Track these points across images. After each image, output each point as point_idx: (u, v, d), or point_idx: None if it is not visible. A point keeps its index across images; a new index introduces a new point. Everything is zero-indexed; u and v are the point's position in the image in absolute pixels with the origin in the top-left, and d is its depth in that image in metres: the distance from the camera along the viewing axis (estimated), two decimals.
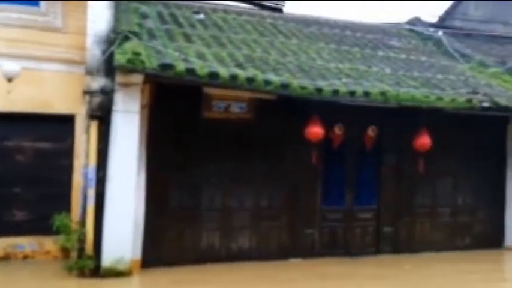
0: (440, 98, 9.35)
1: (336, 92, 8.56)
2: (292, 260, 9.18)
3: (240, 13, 11.67)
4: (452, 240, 10.67)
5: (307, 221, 9.46)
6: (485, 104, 9.66)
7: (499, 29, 16.52)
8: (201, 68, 7.92)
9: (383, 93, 8.92)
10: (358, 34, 12.36)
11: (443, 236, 10.61)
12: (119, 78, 7.79)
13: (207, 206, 8.86)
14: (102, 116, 8.08)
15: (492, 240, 10.99)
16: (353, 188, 9.98)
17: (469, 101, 9.55)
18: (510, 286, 8.84)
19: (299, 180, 9.38)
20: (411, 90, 9.30)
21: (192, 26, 10.14)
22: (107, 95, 8.08)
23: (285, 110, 9.01)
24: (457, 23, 17.60)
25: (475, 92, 9.93)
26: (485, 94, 9.96)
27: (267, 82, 8.21)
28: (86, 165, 8.12)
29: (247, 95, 8.58)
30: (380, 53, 11.42)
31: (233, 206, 9.03)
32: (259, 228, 9.13)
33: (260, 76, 8.26)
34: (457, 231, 10.78)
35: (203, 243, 8.81)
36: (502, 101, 9.87)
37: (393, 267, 9.24)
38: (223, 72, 7.99)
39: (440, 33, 13.20)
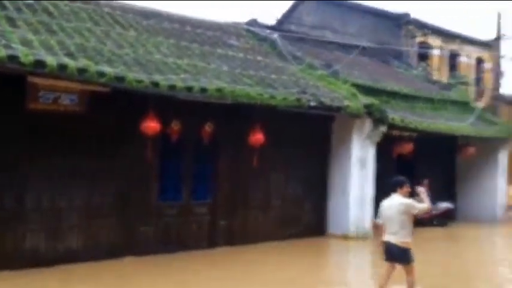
0: (273, 96, 9.83)
1: (173, 87, 8.50)
2: (126, 259, 8.86)
3: None
4: (283, 230, 11.32)
5: (142, 217, 9.25)
6: (313, 103, 10.41)
7: (328, 35, 18.00)
8: (25, 55, 7.26)
9: (219, 90, 9.09)
10: (199, 30, 12.44)
11: (275, 227, 11.21)
12: None
13: (32, 206, 8.15)
14: None
15: (317, 229, 11.93)
16: (190, 182, 10.04)
17: (299, 100, 10.20)
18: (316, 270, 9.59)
19: (134, 176, 9.12)
20: (246, 88, 9.64)
21: (18, 9, 9.25)
22: None
23: (120, 103, 8.69)
24: (292, 27, 18.76)
25: (304, 92, 10.64)
26: (312, 94, 10.73)
27: (101, 74, 7.83)
28: None
29: (78, 86, 8.05)
30: (219, 50, 11.64)
31: (62, 204, 8.43)
32: (89, 228, 8.65)
33: (93, 67, 7.84)
34: (288, 221, 11.48)
35: (27, 246, 8.09)
36: (327, 101, 10.75)
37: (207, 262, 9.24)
38: (51, 61, 7.42)
39: (275, 35, 13.90)
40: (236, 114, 10.03)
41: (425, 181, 13.48)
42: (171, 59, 9.81)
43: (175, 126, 9.28)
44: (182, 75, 9.06)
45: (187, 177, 10.00)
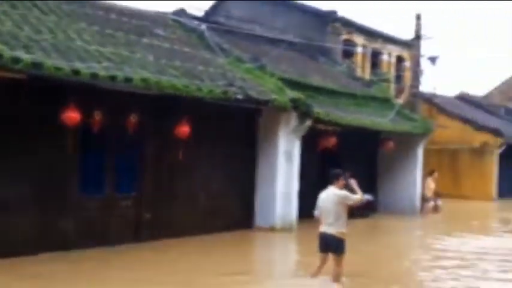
0: (199, 88, 9.75)
1: (95, 76, 8.20)
2: (42, 256, 8.38)
3: None
4: (210, 224, 11.27)
5: (61, 211, 8.86)
6: (239, 96, 10.45)
7: (256, 29, 18.11)
8: None
9: (144, 80, 8.89)
10: (124, 19, 12.10)
11: (202, 220, 11.14)
12: None
13: None
14: None
15: (245, 222, 12.00)
16: (113, 175, 9.75)
17: (225, 92, 10.20)
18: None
19: (52, 168, 8.72)
20: (172, 79, 9.49)
21: None
22: None
23: (38, 92, 8.27)
24: (221, 20, 18.70)
25: (231, 85, 10.65)
26: (239, 87, 10.76)
27: (16, 60, 7.42)
28: None
29: None
30: (144, 40, 11.38)
31: None
32: (1, 223, 8.14)
33: (7, 52, 7.42)
34: (215, 214, 11.45)
35: None
36: (254, 94, 10.82)
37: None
38: None
39: (203, 27, 13.79)
40: (162, 106, 9.86)
41: (347, 174, 13.93)
42: (94, 47, 9.47)
43: (98, 116, 8.94)
44: (105, 64, 8.78)
45: (111, 169, 9.70)
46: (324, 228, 7.10)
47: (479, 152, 23.28)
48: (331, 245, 7.07)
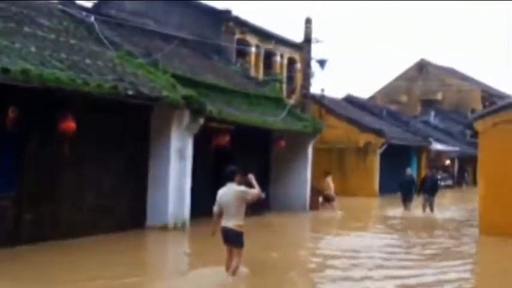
0: (86, 83, 9.37)
1: None
2: None
3: None
4: (98, 224, 10.86)
5: None
6: (130, 92, 10.20)
7: (149, 24, 17.78)
8: None
9: (25, 72, 8.36)
10: (2, 5, 11.26)
11: (89, 220, 10.69)
12: None
13: None
14: None
15: (136, 221, 11.72)
16: None
17: (115, 87, 9.90)
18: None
19: None
20: (57, 72, 9.03)
21: None
22: None
23: None
24: (112, 12, 18.10)
25: (121, 80, 10.36)
26: (130, 82, 10.51)
27: None
28: None
29: None
30: (26, 29, 10.70)
31: None
32: None
33: None
34: (103, 214, 11.06)
35: None
36: (145, 91, 10.63)
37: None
38: None
39: (92, 18, 13.26)
40: (45, 100, 9.34)
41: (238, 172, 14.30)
42: None
43: None
44: None
45: None
46: (224, 222, 7.43)
47: (364, 151, 24.86)
48: (232, 239, 7.43)
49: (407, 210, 18.48)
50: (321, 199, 18.21)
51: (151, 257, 10.17)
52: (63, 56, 10.18)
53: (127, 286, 7.46)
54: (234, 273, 7.49)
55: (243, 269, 7.79)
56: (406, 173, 19.45)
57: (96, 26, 12.93)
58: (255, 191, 7.47)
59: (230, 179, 7.51)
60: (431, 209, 18.02)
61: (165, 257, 10.28)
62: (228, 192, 7.42)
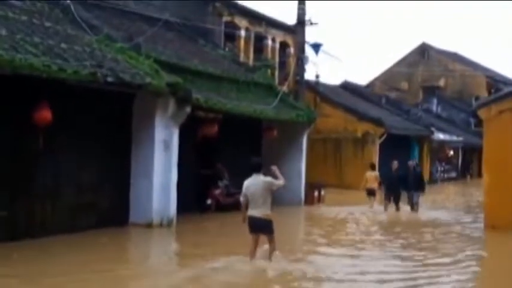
0: (62, 69, 9.30)
1: None
2: None
3: None
4: (77, 221, 10.84)
5: None
6: (110, 79, 10.13)
7: (130, 5, 17.61)
8: None
9: None
10: None
11: (67, 217, 10.67)
12: None
13: None
14: None
15: (118, 218, 11.69)
16: None
17: (93, 74, 9.82)
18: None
19: None
20: (30, 58, 8.94)
21: None
22: None
23: None
24: None
25: (100, 66, 10.28)
26: (110, 69, 10.43)
27: None
28: None
29: None
30: None
31: None
32: None
33: None
34: (83, 210, 11.03)
35: None
36: (126, 77, 10.55)
37: None
38: None
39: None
40: (18, 88, 9.25)
41: (219, 165, 14.77)
42: None
43: None
44: None
45: None
46: (251, 212, 8.30)
47: (362, 141, 24.90)
48: (261, 227, 8.31)
49: (397, 210, 16.82)
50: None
51: (131, 257, 10.01)
52: (37, 40, 10.06)
53: None
54: (270, 257, 8.41)
55: (276, 253, 8.57)
56: (393, 166, 17.35)
57: (72, 7, 12.78)
58: (281, 181, 8.37)
59: (256, 170, 8.41)
60: (412, 207, 16.67)
61: (147, 257, 9.94)
62: (255, 183, 8.29)
